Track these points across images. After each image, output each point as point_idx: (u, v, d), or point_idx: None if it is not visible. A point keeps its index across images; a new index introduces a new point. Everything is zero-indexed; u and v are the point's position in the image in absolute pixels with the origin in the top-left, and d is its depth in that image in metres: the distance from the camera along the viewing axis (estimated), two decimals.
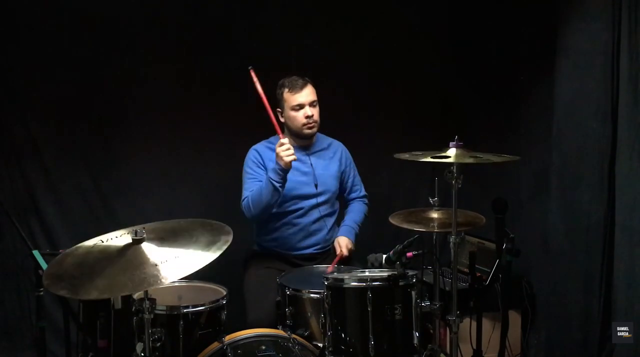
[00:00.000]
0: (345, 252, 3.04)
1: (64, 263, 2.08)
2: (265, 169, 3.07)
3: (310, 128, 3.07)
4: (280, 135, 2.89)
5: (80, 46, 3.41)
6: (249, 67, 2.84)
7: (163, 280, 1.95)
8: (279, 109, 3.09)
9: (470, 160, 2.42)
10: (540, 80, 3.44)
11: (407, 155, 2.55)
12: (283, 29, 3.63)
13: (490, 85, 3.79)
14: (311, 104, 3.05)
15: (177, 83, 3.55)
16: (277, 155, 2.86)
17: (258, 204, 2.94)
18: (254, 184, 3.03)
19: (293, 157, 2.86)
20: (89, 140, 3.50)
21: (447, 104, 3.95)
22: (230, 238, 2.15)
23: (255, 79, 2.85)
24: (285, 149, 2.85)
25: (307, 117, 3.03)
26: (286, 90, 3.05)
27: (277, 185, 2.89)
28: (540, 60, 3.41)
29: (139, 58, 3.49)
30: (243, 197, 3.04)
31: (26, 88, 3.39)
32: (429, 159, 2.45)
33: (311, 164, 3.12)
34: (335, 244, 3.10)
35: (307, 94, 3.04)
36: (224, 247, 2.09)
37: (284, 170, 2.88)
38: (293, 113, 3.04)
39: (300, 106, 3.03)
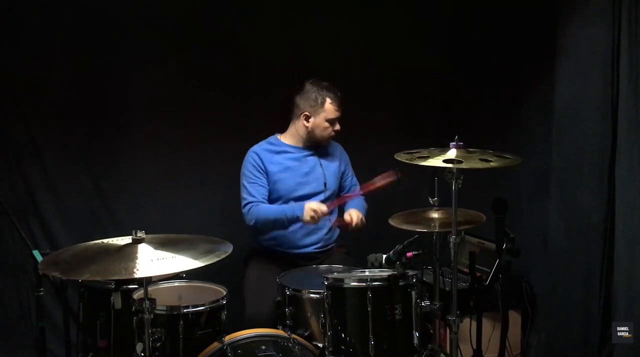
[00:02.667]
0: (355, 219, 3.01)
1: (62, 254, 2.12)
2: (265, 172, 3.07)
3: (330, 139, 3.15)
4: (329, 213, 2.96)
5: (80, 46, 3.40)
6: (397, 169, 2.82)
7: (158, 273, 1.98)
8: (306, 113, 3.07)
9: (469, 166, 2.41)
10: (540, 80, 3.44)
11: (406, 156, 2.54)
12: (283, 29, 3.63)
13: (490, 85, 3.79)
14: (339, 119, 3.11)
15: (178, 83, 3.55)
16: (311, 209, 2.89)
17: (265, 223, 3.01)
18: (255, 189, 3.04)
19: (314, 222, 2.93)
20: (89, 140, 3.50)
21: (447, 104, 3.95)
22: (229, 250, 2.16)
23: (387, 181, 2.85)
24: (320, 213, 2.90)
25: (335, 131, 3.10)
26: (329, 101, 3.05)
27: (287, 224, 2.98)
28: (540, 60, 3.41)
29: (140, 58, 3.49)
30: (246, 202, 3.04)
31: (26, 88, 3.39)
32: (428, 163, 2.45)
33: (320, 164, 3.14)
34: (346, 214, 3.07)
35: (341, 109, 3.10)
36: (222, 257, 2.11)
37: (299, 220, 2.94)
38: (326, 124, 3.07)
39: (335, 121, 3.08)
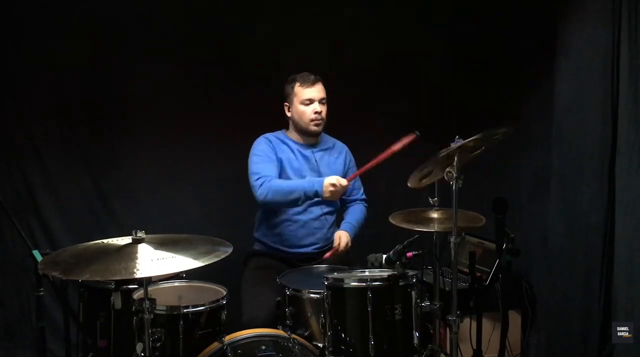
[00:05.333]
0: (342, 245, 3.01)
1: (62, 254, 2.12)
2: (276, 157, 3.04)
3: (317, 125, 3.07)
4: (348, 182, 2.88)
5: (80, 46, 3.40)
6: (416, 133, 2.83)
7: (158, 273, 1.98)
8: (286, 104, 3.10)
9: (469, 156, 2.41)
10: (541, 80, 3.44)
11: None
12: (284, 29, 3.63)
13: (490, 85, 3.79)
14: (320, 101, 3.06)
15: (178, 83, 3.55)
16: (330, 184, 2.83)
17: (279, 196, 2.90)
18: (267, 166, 2.98)
19: (334, 198, 2.89)
20: (89, 140, 3.50)
21: (447, 103, 3.95)
22: (229, 251, 2.16)
23: (404, 143, 2.84)
24: (339, 187, 2.84)
25: (316, 113, 3.04)
26: (297, 84, 3.05)
27: (304, 198, 2.89)
28: (540, 60, 3.41)
29: (140, 58, 3.49)
30: (259, 176, 2.94)
31: (26, 88, 3.39)
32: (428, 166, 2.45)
33: (316, 161, 3.12)
34: (335, 235, 3.07)
35: (318, 90, 3.06)
36: (222, 257, 2.10)
37: (319, 196, 2.87)
38: (302, 107, 3.04)
39: (310, 101, 3.04)
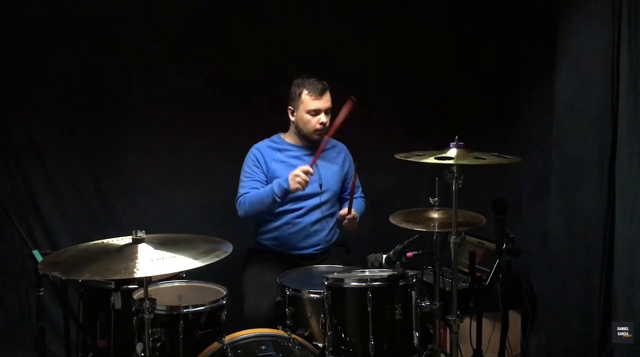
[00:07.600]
0: (352, 214, 3.01)
1: (62, 255, 2.12)
2: (266, 169, 3.06)
3: (319, 134, 3.08)
4: (311, 168, 2.87)
5: (80, 46, 3.40)
6: (351, 97, 2.82)
7: (158, 273, 1.98)
8: (290, 107, 3.10)
9: (472, 162, 2.42)
10: (540, 80, 3.44)
11: (407, 155, 2.55)
12: (283, 29, 3.64)
13: (490, 86, 3.79)
14: (326, 111, 3.06)
15: (178, 83, 3.55)
16: (294, 175, 2.85)
17: (255, 206, 2.98)
18: (250, 183, 3.04)
19: (301, 187, 2.87)
20: (89, 141, 3.50)
21: (447, 104, 3.96)
22: (229, 251, 2.16)
23: (346, 111, 2.83)
24: (303, 177, 2.85)
25: (321, 123, 3.04)
26: (305, 92, 3.03)
27: (278, 199, 2.93)
28: (540, 60, 3.41)
29: (140, 58, 3.49)
30: (239, 195, 3.05)
31: (26, 88, 3.39)
32: (430, 160, 2.45)
33: (316, 164, 3.13)
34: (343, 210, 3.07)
35: (326, 100, 3.05)
36: (222, 257, 2.11)
37: (289, 191, 2.89)
38: (308, 117, 3.04)
39: (317, 112, 3.04)
